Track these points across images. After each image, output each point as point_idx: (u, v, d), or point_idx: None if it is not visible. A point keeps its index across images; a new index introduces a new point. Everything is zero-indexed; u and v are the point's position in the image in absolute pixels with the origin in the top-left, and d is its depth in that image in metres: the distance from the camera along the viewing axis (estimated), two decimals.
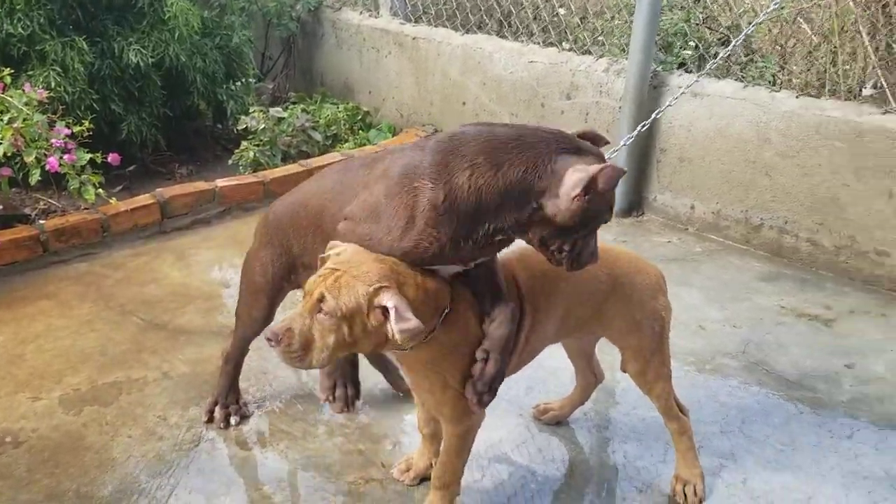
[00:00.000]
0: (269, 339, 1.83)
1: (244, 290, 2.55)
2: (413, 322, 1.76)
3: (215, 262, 3.92)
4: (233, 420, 2.72)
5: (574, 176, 1.74)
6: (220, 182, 4.46)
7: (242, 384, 2.89)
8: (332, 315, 1.79)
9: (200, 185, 4.40)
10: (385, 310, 1.78)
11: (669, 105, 3.18)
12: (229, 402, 2.75)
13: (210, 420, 2.72)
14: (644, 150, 4.42)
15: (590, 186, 1.74)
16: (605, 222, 1.90)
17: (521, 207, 1.80)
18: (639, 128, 2.94)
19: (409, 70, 5.56)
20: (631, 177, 4.47)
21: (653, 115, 3.09)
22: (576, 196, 1.75)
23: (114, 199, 4.07)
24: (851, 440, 2.72)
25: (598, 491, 2.49)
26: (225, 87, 5.09)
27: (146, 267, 3.85)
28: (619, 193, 4.49)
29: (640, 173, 4.48)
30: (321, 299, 1.79)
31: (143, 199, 4.22)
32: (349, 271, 1.80)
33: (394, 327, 1.77)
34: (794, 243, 3.98)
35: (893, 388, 3.01)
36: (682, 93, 3.49)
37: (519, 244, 2.00)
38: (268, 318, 2.50)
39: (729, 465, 2.59)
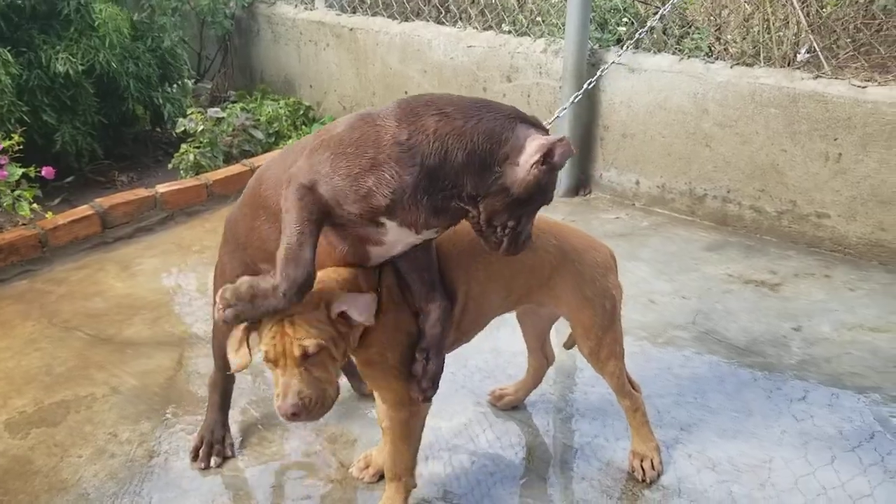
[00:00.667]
0: (292, 418, 1.85)
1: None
2: (363, 301, 1.85)
3: (161, 270, 3.84)
4: (213, 461, 2.51)
5: (534, 143, 1.75)
6: (161, 188, 4.36)
7: (192, 390, 2.85)
8: (319, 350, 1.85)
9: (141, 193, 4.30)
10: (343, 313, 1.85)
11: (599, 76, 3.18)
12: (215, 438, 2.53)
13: (195, 458, 2.52)
14: (587, 129, 4.44)
15: (547, 156, 1.74)
16: (547, 203, 1.89)
17: (483, 172, 1.77)
18: (571, 98, 2.96)
19: (348, 61, 5.50)
20: (576, 156, 4.48)
21: (584, 87, 3.10)
22: (534, 163, 1.74)
23: (50, 212, 3.96)
24: (803, 402, 2.77)
25: (559, 472, 2.50)
26: (160, 90, 4.98)
27: (89, 280, 3.76)
28: (566, 173, 4.53)
29: (584, 152, 4.50)
30: (302, 350, 1.83)
31: (82, 210, 4.11)
32: (292, 313, 1.84)
33: (359, 319, 1.85)
34: (738, 211, 4.03)
35: (840, 347, 3.08)
36: (613, 62, 3.52)
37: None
38: None
39: (686, 435, 2.62)
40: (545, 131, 1.85)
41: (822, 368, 2.95)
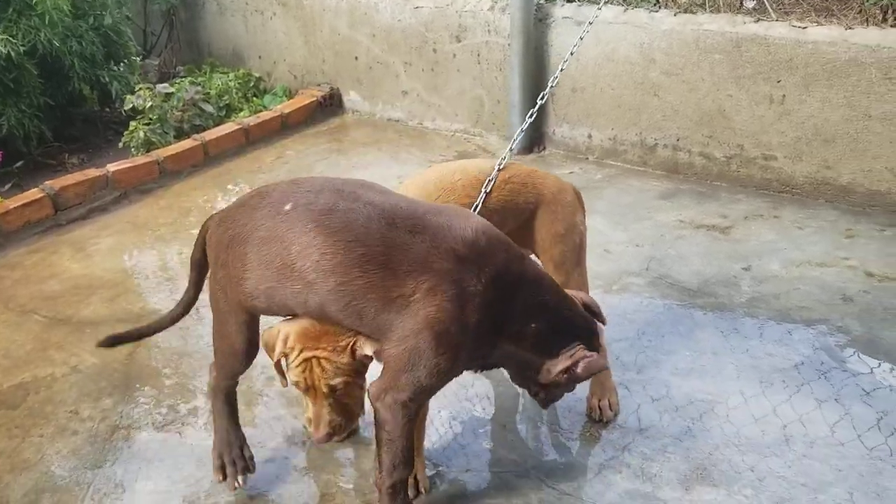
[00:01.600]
0: (325, 441, 2.03)
1: (214, 318, 2.20)
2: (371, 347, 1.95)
3: (116, 250, 3.80)
4: (239, 480, 2.31)
5: (563, 362, 1.98)
6: (112, 167, 4.31)
7: (153, 365, 2.85)
8: (346, 385, 1.98)
9: (91, 173, 4.24)
10: (367, 356, 1.97)
11: (576, 46, 3.13)
12: (235, 455, 2.32)
13: (224, 478, 2.31)
14: (538, 85, 4.44)
15: (571, 370, 1.98)
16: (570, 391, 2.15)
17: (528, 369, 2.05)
18: (527, 117, 2.92)
19: (296, 30, 5.44)
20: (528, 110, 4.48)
21: (549, 85, 3.03)
22: (558, 374, 1.99)
23: (0, 198, 3.90)
24: (754, 338, 2.85)
25: (521, 420, 2.55)
26: (106, 68, 4.89)
27: (44, 263, 3.72)
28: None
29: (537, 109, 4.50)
30: (330, 388, 1.97)
31: (32, 193, 4.04)
32: (317, 352, 1.95)
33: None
34: (688, 159, 4.09)
35: (788, 283, 3.16)
36: (586, 31, 3.47)
37: None
38: (250, 343, 2.16)
39: (642, 376, 2.69)
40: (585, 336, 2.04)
41: (772, 304, 3.03)
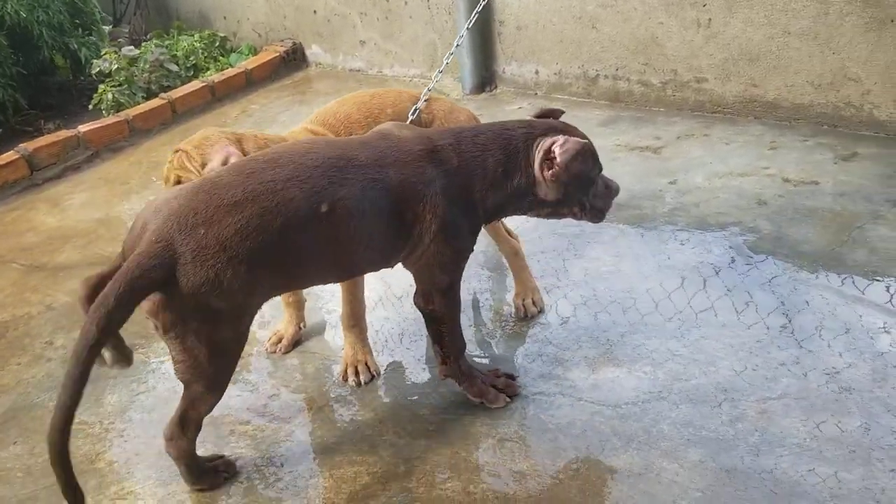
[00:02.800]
0: None
1: (193, 344, 1.99)
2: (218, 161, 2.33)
3: (89, 203, 4.04)
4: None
5: (536, 156, 2.12)
6: (83, 127, 4.53)
7: None
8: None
9: (63, 134, 4.47)
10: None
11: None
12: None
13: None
14: (485, 26, 4.63)
15: (547, 159, 2.11)
16: (598, 173, 2.27)
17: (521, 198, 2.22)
18: (465, 25, 3.12)
19: None
20: (479, 53, 4.68)
21: (475, 10, 3.25)
22: (542, 172, 2.12)
23: None
24: (670, 242, 3.07)
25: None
26: (75, 36, 5.09)
27: (21, 218, 3.96)
28: (469, 72, 4.73)
29: (485, 49, 4.70)
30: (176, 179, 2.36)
31: (8, 156, 4.28)
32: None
33: None
34: (628, 87, 4.28)
35: (709, 193, 3.37)
36: None
37: None
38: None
39: (563, 281, 2.92)
40: (555, 132, 2.16)
41: (691, 212, 3.25)
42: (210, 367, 1.99)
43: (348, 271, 2.21)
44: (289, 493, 2.17)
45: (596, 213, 2.31)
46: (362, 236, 2.02)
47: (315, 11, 5.37)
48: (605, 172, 2.33)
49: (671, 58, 4.06)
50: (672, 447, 2.16)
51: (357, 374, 2.53)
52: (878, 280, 2.69)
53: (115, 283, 1.81)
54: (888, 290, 2.64)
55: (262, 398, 2.55)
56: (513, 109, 4.50)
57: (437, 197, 2.06)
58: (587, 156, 2.17)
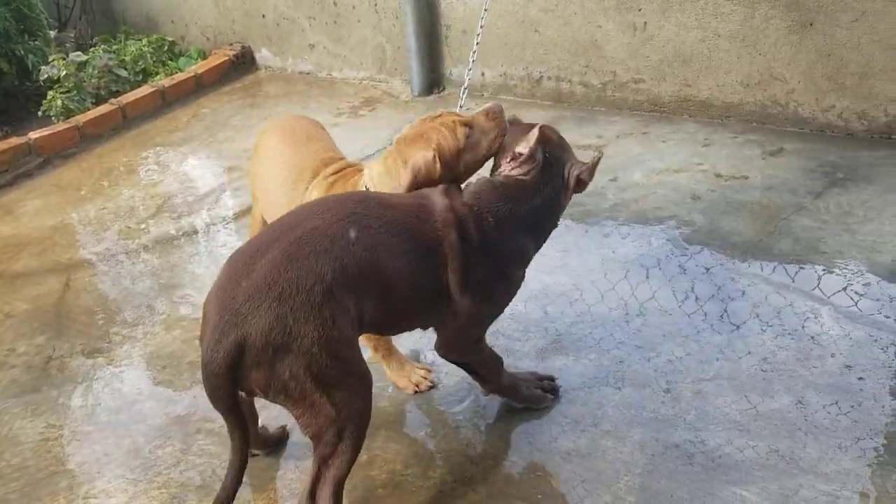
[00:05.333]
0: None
1: (326, 391, 1.89)
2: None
3: (42, 210, 4.06)
4: None
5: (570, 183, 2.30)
6: (34, 134, 4.53)
7: (81, 304, 3.15)
8: None
9: (13, 141, 4.46)
10: None
11: None
12: None
13: None
14: (431, 30, 4.75)
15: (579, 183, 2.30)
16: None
17: None
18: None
19: None
20: (426, 56, 4.81)
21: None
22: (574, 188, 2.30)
23: None
24: (611, 237, 3.25)
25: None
26: (21, 42, 5.06)
27: None
28: (419, 74, 4.86)
29: (433, 52, 4.82)
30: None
31: None
32: None
33: None
34: (570, 88, 4.46)
35: (647, 189, 3.56)
36: None
37: None
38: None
39: None
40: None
41: (631, 208, 3.43)
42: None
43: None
44: (254, 486, 2.28)
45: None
46: None
47: (264, 16, 5.43)
48: None
49: (610, 60, 4.25)
50: (616, 428, 2.33)
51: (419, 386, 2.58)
52: (801, 267, 2.91)
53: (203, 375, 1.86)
54: (811, 276, 2.85)
55: None
56: (460, 111, 4.64)
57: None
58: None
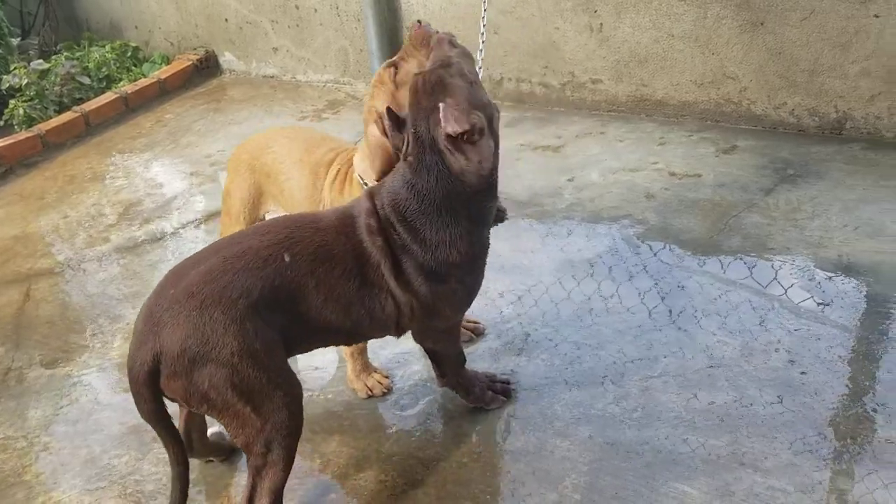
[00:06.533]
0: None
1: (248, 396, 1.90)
2: None
3: (4, 220, 4.05)
4: None
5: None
6: None
7: (40, 314, 3.16)
8: None
9: None
10: None
11: None
12: None
13: None
14: (393, 33, 4.76)
15: (455, 139, 1.97)
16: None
17: None
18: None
19: None
20: (388, 58, 4.82)
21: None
22: (461, 152, 1.99)
23: None
24: (566, 237, 3.30)
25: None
26: None
27: None
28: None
29: (395, 54, 4.83)
30: None
31: None
32: None
33: None
34: (530, 89, 4.50)
35: (603, 188, 3.61)
36: None
37: None
38: None
39: None
40: None
41: (587, 207, 3.48)
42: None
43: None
44: (209, 493, 2.31)
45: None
46: None
47: (226, 20, 5.43)
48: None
49: (568, 60, 4.30)
50: (564, 426, 2.37)
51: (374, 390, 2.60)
52: (749, 264, 2.97)
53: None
54: (758, 273, 2.92)
55: None
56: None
57: None
58: (471, 95, 1.97)
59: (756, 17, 3.73)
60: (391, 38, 4.81)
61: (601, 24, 4.12)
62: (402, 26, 4.76)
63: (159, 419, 1.90)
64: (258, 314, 1.85)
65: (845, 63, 3.62)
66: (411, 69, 2.26)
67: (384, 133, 2.13)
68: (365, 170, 2.35)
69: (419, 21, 2.34)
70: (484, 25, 3.21)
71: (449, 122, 1.88)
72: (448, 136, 1.90)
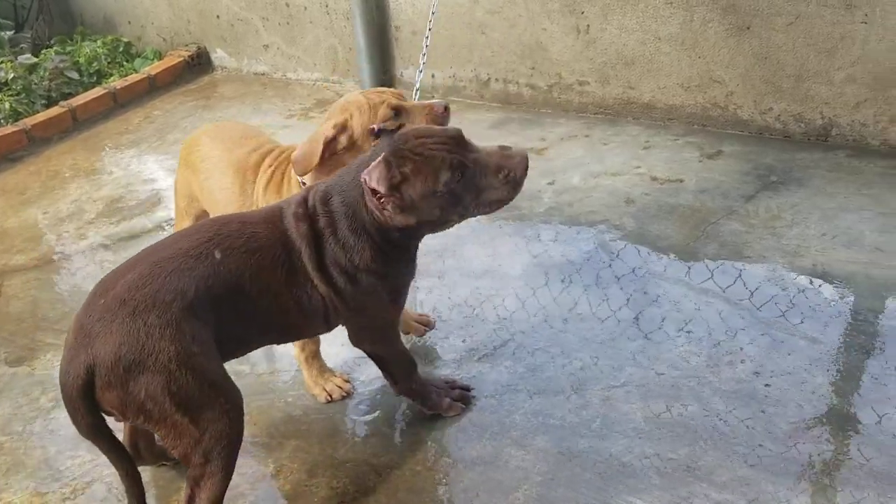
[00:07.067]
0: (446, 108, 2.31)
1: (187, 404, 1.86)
2: None
3: None
4: None
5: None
6: None
7: (9, 311, 3.15)
8: None
9: None
10: None
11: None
12: None
13: None
14: (381, 30, 4.75)
15: (376, 198, 1.92)
16: (459, 180, 1.93)
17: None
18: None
19: None
20: (377, 58, 4.80)
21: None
22: (378, 211, 1.95)
23: None
24: (542, 241, 3.26)
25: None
26: None
27: None
28: (370, 75, 4.85)
29: (383, 53, 4.82)
30: None
31: None
32: None
33: None
34: (517, 90, 4.46)
35: (583, 193, 3.57)
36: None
37: None
38: None
39: (442, 281, 3.08)
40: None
41: (565, 212, 3.44)
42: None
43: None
44: (159, 496, 2.28)
45: (492, 206, 2.03)
46: None
47: (218, 16, 5.41)
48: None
49: (555, 62, 4.26)
50: (521, 435, 2.34)
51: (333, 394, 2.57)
52: (723, 272, 2.92)
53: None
54: (731, 282, 2.87)
55: None
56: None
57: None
58: (414, 177, 1.90)
59: (742, 21, 3.68)
60: (379, 37, 4.78)
61: (588, 25, 4.07)
62: (390, 25, 4.74)
63: (98, 433, 1.86)
64: (195, 316, 1.82)
65: (831, 69, 3.56)
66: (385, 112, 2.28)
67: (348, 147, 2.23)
68: (300, 163, 2.31)
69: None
70: (430, 30, 3.38)
71: (373, 176, 1.87)
72: (373, 189, 1.89)
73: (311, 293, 2.03)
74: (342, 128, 2.30)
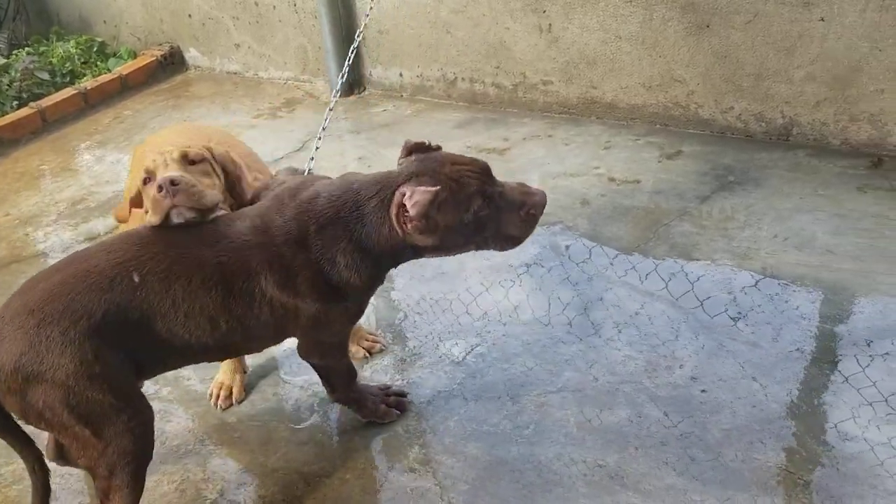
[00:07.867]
0: (171, 187, 1.90)
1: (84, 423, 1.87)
2: None
3: None
4: None
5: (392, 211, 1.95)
6: None
7: None
8: (202, 159, 2.09)
9: None
10: None
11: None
12: None
13: None
14: (349, 30, 4.72)
15: (401, 215, 1.91)
16: (484, 210, 1.97)
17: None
18: (318, 134, 3.18)
19: None
20: (344, 56, 4.77)
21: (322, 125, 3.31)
22: (402, 227, 1.93)
23: None
24: None
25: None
26: None
27: None
28: (338, 75, 4.81)
29: (344, 53, 4.78)
30: (182, 153, 2.07)
31: None
32: None
33: None
34: (483, 89, 4.43)
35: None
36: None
37: None
38: None
39: (393, 284, 3.06)
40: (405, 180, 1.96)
41: None
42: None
43: None
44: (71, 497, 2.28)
45: (508, 242, 2.08)
46: None
47: (190, 15, 5.39)
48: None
49: (520, 61, 4.23)
50: (454, 442, 2.32)
51: (219, 397, 2.58)
52: (670, 275, 2.90)
53: None
54: (676, 285, 2.85)
55: None
56: (377, 111, 4.63)
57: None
58: (446, 202, 1.92)
59: (701, 20, 3.64)
60: (346, 36, 4.75)
61: (550, 24, 4.04)
62: (356, 24, 4.71)
63: (9, 431, 1.87)
64: (101, 337, 1.80)
65: (790, 68, 3.53)
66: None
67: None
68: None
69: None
70: (361, 34, 3.37)
71: (415, 198, 1.87)
72: (403, 205, 1.90)
73: (258, 311, 1.98)
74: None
